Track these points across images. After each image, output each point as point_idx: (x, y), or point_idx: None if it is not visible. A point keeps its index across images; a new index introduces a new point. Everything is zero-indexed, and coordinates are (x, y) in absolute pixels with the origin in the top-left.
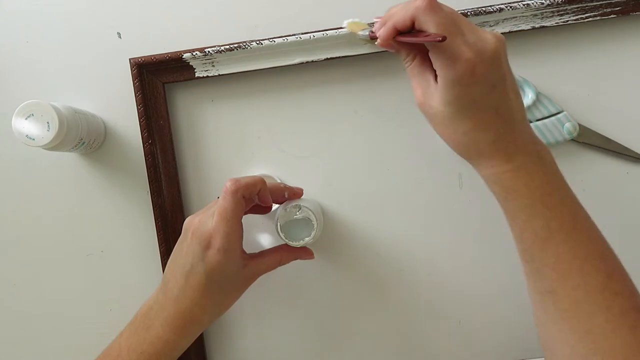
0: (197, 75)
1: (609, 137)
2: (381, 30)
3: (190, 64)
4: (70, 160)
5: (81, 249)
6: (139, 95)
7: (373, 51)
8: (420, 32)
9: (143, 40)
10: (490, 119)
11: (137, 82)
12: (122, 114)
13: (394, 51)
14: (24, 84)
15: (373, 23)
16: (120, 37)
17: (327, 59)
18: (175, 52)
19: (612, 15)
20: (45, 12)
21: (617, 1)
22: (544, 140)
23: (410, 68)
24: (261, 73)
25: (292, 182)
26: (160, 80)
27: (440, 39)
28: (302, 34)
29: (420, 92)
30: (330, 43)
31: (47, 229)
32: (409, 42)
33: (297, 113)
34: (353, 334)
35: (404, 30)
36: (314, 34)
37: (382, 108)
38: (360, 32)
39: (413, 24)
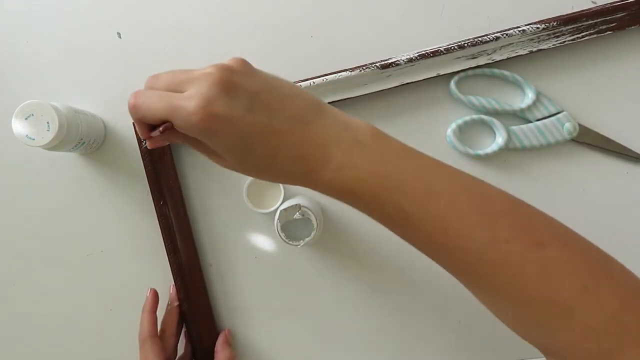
0: None
1: (609, 137)
2: (141, 136)
3: None
4: (70, 160)
5: (81, 249)
6: (146, 158)
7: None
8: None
9: (143, 41)
10: (273, 138)
11: (143, 146)
12: (122, 114)
13: (171, 141)
14: (24, 84)
15: None
16: (120, 37)
17: (328, 102)
18: None
19: (607, 32)
20: (46, 12)
21: (612, 17)
22: (543, 141)
23: (196, 148)
24: None
25: None
26: None
27: (169, 125)
28: (301, 81)
29: (215, 159)
30: (328, 88)
31: (47, 229)
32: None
33: None
34: (353, 333)
35: (149, 125)
36: (314, 80)
37: (382, 108)
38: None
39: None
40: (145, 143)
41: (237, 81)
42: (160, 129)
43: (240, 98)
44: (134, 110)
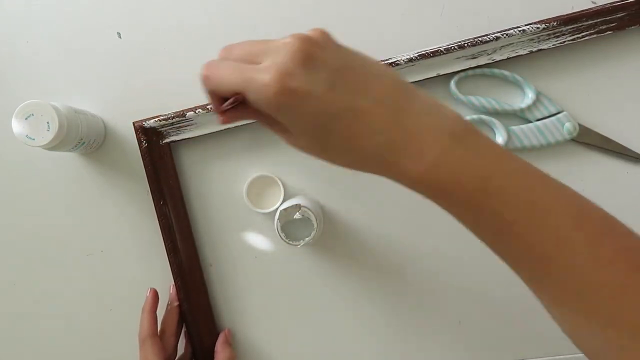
0: (201, 133)
1: (609, 137)
2: (216, 111)
3: (194, 121)
4: (70, 160)
5: (81, 249)
6: (146, 158)
7: None
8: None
9: (143, 41)
10: (358, 120)
11: (144, 146)
12: (122, 114)
13: (237, 119)
14: (24, 84)
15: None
16: (120, 37)
17: None
18: (178, 111)
19: (607, 32)
20: (46, 12)
21: (612, 17)
22: (543, 141)
23: (268, 125)
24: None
25: (293, 181)
26: (165, 141)
27: (240, 99)
28: None
29: (285, 138)
30: None
31: (47, 229)
32: (232, 108)
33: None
34: (353, 333)
35: (222, 98)
36: None
37: None
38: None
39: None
40: (215, 116)
41: (318, 54)
42: (230, 100)
43: (321, 72)
44: (206, 81)
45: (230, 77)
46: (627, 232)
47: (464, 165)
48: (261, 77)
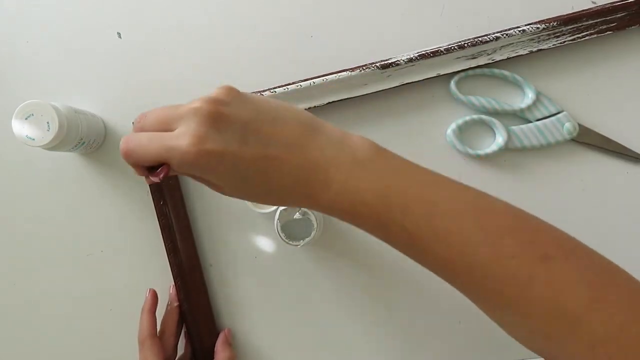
0: None
1: (609, 137)
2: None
3: None
4: (70, 160)
5: (81, 249)
6: None
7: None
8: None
9: (143, 41)
10: (269, 165)
11: None
12: (122, 114)
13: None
14: (24, 84)
15: None
16: (120, 37)
17: (328, 102)
18: None
19: (607, 32)
20: (46, 12)
21: (612, 17)
22: (543, 141)
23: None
24: None
25: None
26: None
27: (158, 180)
28: (301, 81)
29: (213, 188)
30: (328, 88)
31: (47, 229)
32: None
33: None
34: (353, 333)
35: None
36: (314, 80)
37: (382, 108)
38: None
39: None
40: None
41: (226, 112)
42: (161, 176)
43: (231, 130)
44: (126, 156)
45: (150, 149)
46: (535, 225)
47: (366, 187)
48: (178, 145)
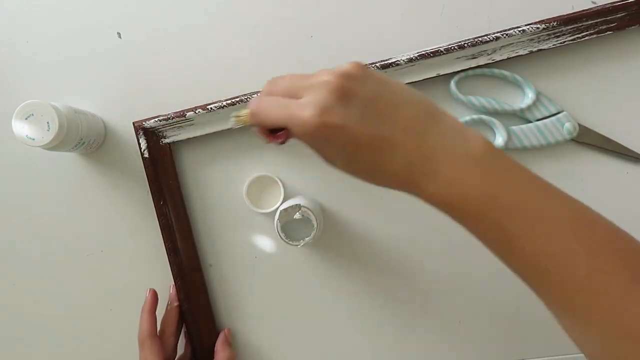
0: (201, 133)
1: (609, 137)
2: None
3: (194, 121)
4: (70, 160)
5: (81, 249)
6: (146, 158)
7: None
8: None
9: (143, 41)
10: (383, 146)
11: (143, 146)
12: (122, 114)
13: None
14: (24, 84)
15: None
16: (120, 37)
17: None
18: (178, 111)
19: (607, 32)
20: (46, 12)
21: (612, 17)
22: (543, 141)
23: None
24: None
25: (293, 181)
26: (165, 141)
27: (280, 142)
28: None
29: (321, 157)
30: None
31: (47, 229)
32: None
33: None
34: (353, 333)
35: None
36: None
37: None
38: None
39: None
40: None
41: (353, 89)
42: (280, 141)
43: (355, 106)
44: (252, 116)
45: (275, 113)
46: (632, 244)
47: (475, 183)
48: (301, 114)
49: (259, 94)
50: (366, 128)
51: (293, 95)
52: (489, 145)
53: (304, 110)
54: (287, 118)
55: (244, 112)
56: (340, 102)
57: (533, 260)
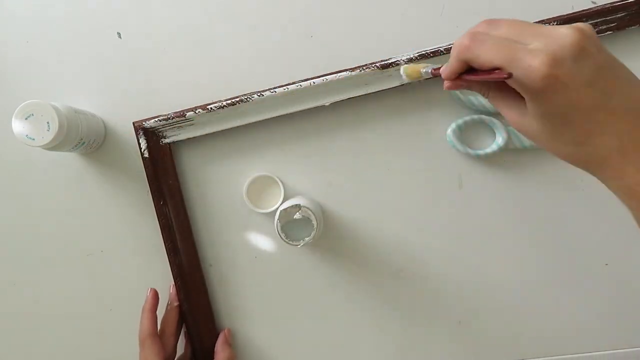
0: (201, 133)
1: None
2: (443, 74)
3: (194, 121)
4: (70, 160)
5: (81, 249)
6: (146, 158)
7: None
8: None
9: (143, 41)
10: (602, 119)
11: (143, 146)
12: (122, 114)
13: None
14: (24, 84)
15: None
16: (120, 37)
17: (332, 103)
18: (178, 111)
19: (607, 32)
20: (46, 12)
21: (612, 17)
22: None
23: (491, 98)
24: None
25: (293, 181)
26: (165, 141)
27: (506, 76)
28: (301, 81)
29: (510, 115)
30: (328, 88)
31: (47, 229)
32: (460, 79)
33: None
34: (352, 333)
35: (464, 70)
36: (314, 80)
37: (382, 108)
38: (423, 70)
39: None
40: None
41: (589, 50)
42: (502, 75)
43: (586, 67)
44: (466, 50)
45: (495, 53)
46: None
47: None
48: (530, 59)
49: (470, 31)
50: (592, 95)
51: (518, 40)
52: None
53: (534, 56)
54: (511, 60)
55: (421, 65)
56: (574, 58)
57: None
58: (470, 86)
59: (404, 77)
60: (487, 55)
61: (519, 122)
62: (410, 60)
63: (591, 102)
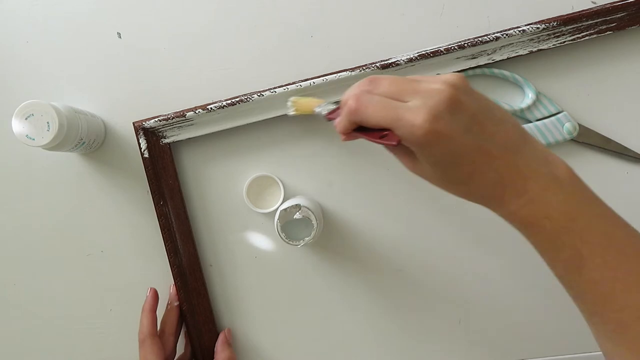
0: (201, 133)
1: (609, 137)
2: (338, 128)
3: (194, 121)
4: (70, 160)
5: (81, 249)
6: (146, 158)
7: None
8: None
9: (143, 41)
10: (481, 159)
11: (143, 146)
12: (122, 114)
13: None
14: (24, 84)
15: (326, 103)
16: (120, 37)
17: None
18: (178, 111)
19: (607, 32)
20: (46, 12)
21: (612, 17)
22: (543, 141)
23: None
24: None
25: (293, 181)
26: (165, 141)
27: (395, 143)
28: (301, 81)
29: (405, 162)
30: (328, 88)
31: (47, 229)
32: (355, 133)
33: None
34: (353, 333)
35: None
36: (314, 80)
37: None
38: (317, 110)
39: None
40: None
41: (462, 101)
42: (394, 142)
43: (461, 117)
44: (354, 113)
45: (380, 115)
46: None
47: (557, 203)
48: (412, 118)
49: (354, 91)
50: (470, 140)
51: (397, 97)
52: (572, 171)
53: (415, 114)
54: (395, 120)
55: (304, 100)
56: (450, 111)
57: (599, 283)
58: (362, 137)
59: (291, 111)
60: (373, 117)
61: (414, 168)
62: (410, 61)
63: (470, 147)
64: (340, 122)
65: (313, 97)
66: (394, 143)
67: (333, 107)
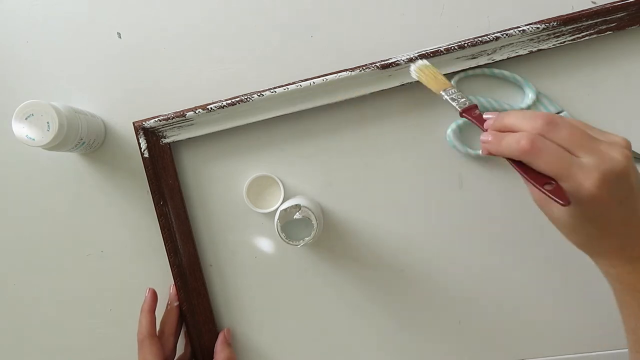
0: (201, 133)
1: None
2: (488, 146)
3: (194, 121)
4: (70, 160)
5: (81, 249)
6: (146, 158)
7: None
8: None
9: (143, 41)
10: (617, 229)
11: (143, 146)
12: (122, 114)
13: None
14: (24, 84)
15: (448, 80)
16: (120, 37)
17: (328, 104)
18: (178, 111)
19: (607, 32)
20: (46, 12)
21: (612, 17)
22: None
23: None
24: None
25: (293, 181)
26: (165, 141)
27: (565, 204)
28: (301, 81)
29: (538, 196)
30: (328, 88)
31: (47, 229)
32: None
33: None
34: (353, 333)
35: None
36: (314, 80)
37: (382, 108)
38: (444, 95)
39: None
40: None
41: (630, 173)
42: (550, 192)
43: (623, 188)
44: (525, 155)
45: (552, 165)
46: None
47: None
48: (582, 178)
49: (528, 127)
50: (621, 212)
51: (573, 149)
52: None
53: (586, 176)
54: (565, 175)
55: (431, 71)
56: (617, 181)
57: None
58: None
59: (414, 75)
60: (543, 165)
61: (544, 205)
62: (409, 61)
63: (619, 218)
64: (498, 148)
65: (438, 72)
66: (563, 203)
67: (463, 100)
